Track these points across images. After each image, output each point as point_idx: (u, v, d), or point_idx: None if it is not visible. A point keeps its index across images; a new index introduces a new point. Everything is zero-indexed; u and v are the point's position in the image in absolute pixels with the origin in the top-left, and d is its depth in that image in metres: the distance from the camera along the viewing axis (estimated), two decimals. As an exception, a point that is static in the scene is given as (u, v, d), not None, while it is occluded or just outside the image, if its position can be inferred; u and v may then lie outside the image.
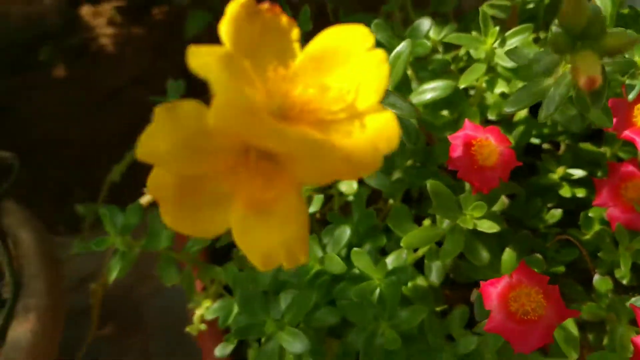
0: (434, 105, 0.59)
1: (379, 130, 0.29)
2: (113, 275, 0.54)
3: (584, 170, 0.60)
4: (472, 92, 0.62)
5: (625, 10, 0.61)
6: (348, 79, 0.30)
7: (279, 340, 0.48)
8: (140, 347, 0.96)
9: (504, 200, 0.60)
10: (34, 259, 0.66)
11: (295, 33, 0.32)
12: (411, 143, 0.47)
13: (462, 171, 0.48)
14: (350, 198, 0.63)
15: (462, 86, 0.54)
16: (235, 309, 0.56)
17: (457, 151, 0.49)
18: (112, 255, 0.56)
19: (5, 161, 0.77)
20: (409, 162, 0.60)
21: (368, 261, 0.52)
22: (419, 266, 0.56)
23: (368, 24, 0.58)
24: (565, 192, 0.59)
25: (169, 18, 1.34)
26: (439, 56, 0.64)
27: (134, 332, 0.97)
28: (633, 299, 0.51)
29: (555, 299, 0.43)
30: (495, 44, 0.53)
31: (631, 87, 0.50)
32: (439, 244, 0.53)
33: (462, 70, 0.59)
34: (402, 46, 0.47)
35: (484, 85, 0.57)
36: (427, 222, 0.60)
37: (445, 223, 0.52)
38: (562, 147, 0.66)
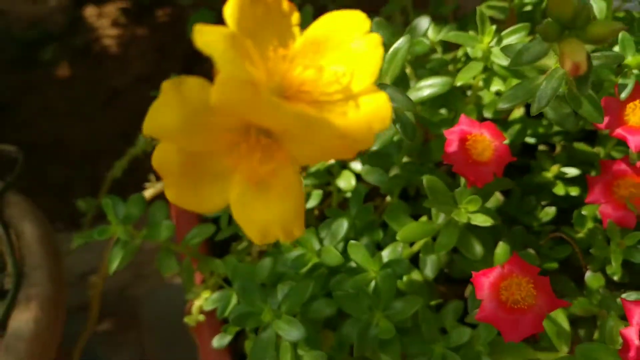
0: (432, 103, 0.60)
1: (373, 110, 0.30)
2: (114, 264, 0.55)
3: (578, 169, 0.61)
4: (469, 92, 0.63)
5: (621, 14, 0.63)
6: (344, 62, 0.32)
7: (275, 328, 0.49)
8: (137, 343, 0.97)
9: (498, 197, 0.61)
10: (36, 250, 0.67)
11: (295, 17, 0.33)
12: (408, 138, 0.48)
13: (457, 165, 0.49)
14: (349, 194, 0.64)
15: (459, 84, 0.55)
16: (234, 300, 0.57)
17: (452, 146, 0.50)
18: (113, 245, 0.57)
19: (10, 155, 0.78)
20: (407, 159, 0.61)
21: (364, 254, 0.53)
22: (415, 262, 0.57)
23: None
24: (559, 190, 0.60)
25: (173, 19, 1.36)
26: (437, 56, 0.65)
27: (130, 328, 0.98)
28: (624, 295, 0.52)
29: (546, 289, 0.44)
30: (492, 43, 0.54)
31: (623, 86, 0.51)
32: (435, 239, 0.54)
33: (460, 71, 0.60)
34: (401, 42, 0.48)
35: (480, 83, 0.58)
36: (423, 219, 0.61)
37: (441, 217, 0.53)
38: (558, 148, 0.67)
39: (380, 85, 0.45)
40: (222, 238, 0.64)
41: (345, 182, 0.64)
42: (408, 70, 0.61)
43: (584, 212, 0.57)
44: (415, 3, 0.77)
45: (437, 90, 0.53)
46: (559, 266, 0.58)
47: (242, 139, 0.30)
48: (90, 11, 1.39)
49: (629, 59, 0.51)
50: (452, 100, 0.60)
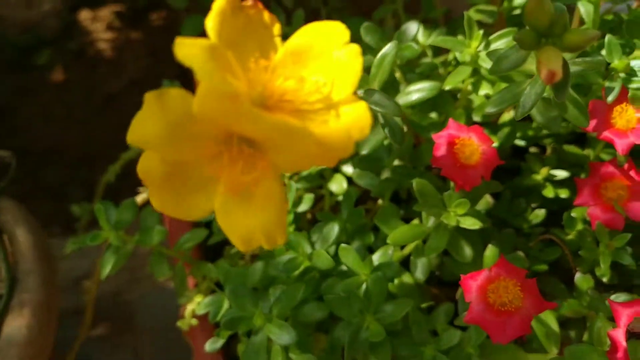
0: (421, 107, 0.60)
1: (353, 119, 0.31)
2: (106, 270, 0.55)
3: (568, 171, 0.61)
4: (459, 96, 0.64)
5: (610, 17, 0.63)
6: (325, 72, 0.32)
7: (266, 332, 0.50)
8: (132, 347, 0.97)
9: (488, 200, 0.61)
10: (29, 255, 0.67)
11: (276, 28, 0.34)
12: (396, 142, 0.48)
13: (445, 169, 0.50)
14: (340, 198, 0.65)
15: (447, 88, 0.55)
16: (226, 304, 0.57)
17: (440, 150, 0.50)
18: (105, 250, 0.57)
19: (2, 160, 0.78)
20: (397, 162, 0.61)
21: (355, 257, 0.53)
22: (406, 265, 0.58)
23: (359, 28, 0.60)
24: (549, 192, 0.60)
25: (167, 23, 1.36)
26: (427, 60, 0.66)
27: (125, 332, 0.98)
28: (613, 296, 0.52)
29: (533, 291, 0.44)
30: (480, 47, 0.55)
31: (610, 90, 0.51)
32: (425, 242, 0.54)
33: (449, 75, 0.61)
34: (388, 47, 0.49)
35: (469, 87, 0.59)
36: (414, 222, 0.62)
37: (431, 220, 0.53)
38: (548, 151, 0.68)
39: (368, 90, 0.46)
40: (214, 242, 0.64)
41: (337, 185, 0.64)
42: (398, 75, 0.61)
43: (573, 214, 0.58)
44: (407, 7, 0.77)
45: (426, 95, 0.54)
46: (549, 268, 0.58)
47: (224, 149, 0.30)
48: (84, 15, 1.39)
49: (616, 63, 0.51)
50: (442, 104, 0.60)
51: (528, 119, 0.53)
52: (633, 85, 0.51)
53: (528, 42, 0.36)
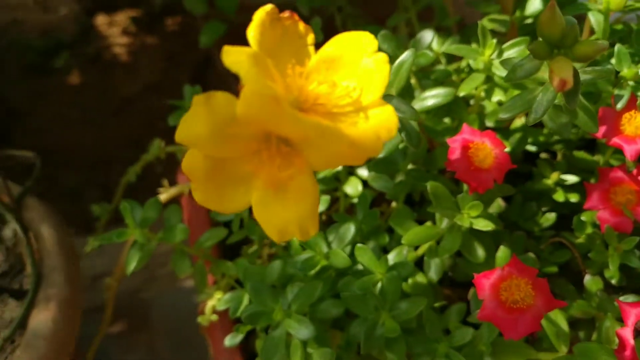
0: (436, 112, 0.62)
1: (381, 121, 0.33)
2: (131, 266, 0.57)
3: (578, 176, 0.63)
4: (472, 102, 0.66)
5: (619, 26, 0.65)
6: (355, 78, 0.35)
7: (286, 327, 0.52)
8: (147, 345, 0.99)
9: (500, 203, 0.63)
10: (54, 252, 0.70)
11: (310, 37, 0.37)
12: (412, 145, 0.50)
13: (459, 172, 0.52)
14: (356, 200, 0.67)
15: (461, 94, 0.57)
16: (246, 300, 0.59)
17: (455, 154, 0.52)
18: (130, 247, 0.59)
19: (28, 160, 0.81)
20: (411, 166, 0.63)
21: (371, 256, 0.55)
22: (420, 265, 0.60)
23: (375, 36, 0.62)
24: (559, 196, 0.62)
25: (183, 28, 1.39)
26: (441, 67, 0.68)
27: (141, 330, 1.00)
28: (622, 297, 0.54)
29: (544, 290, 0.46)
30: (493, 55, 0.57)
31: (620, 97, 0.53)
32: (439, 243, 0.56)
33: (463, 82, 0.63)
34: (406, 55, 0.51)
35: (482, 94, 0.61)
36: (428, 223, 0.64)
37: (444, 222, 0.55)
38: (559, 156, 0.69)
39: (386, 96, 0.48)
40: (233, 241, 0.66)
41: (352, 188, 0.66)
42: (413, 81, 0.63)
43: (583, 218, 0.59)
44: (420, 15, 0.79)
45: (441, 100, 0.56)
46: (559, 270, 0.60)
47: (263, 147, 0.33)
48: (101, 20, 1.41)
49: (625, 71, 0.53)
50: (456, 109, 0.62)
51: (539, 125, 0.55)
52: (642, 93, 0.53)
53: (541, 53, 0.38)
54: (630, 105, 0.54)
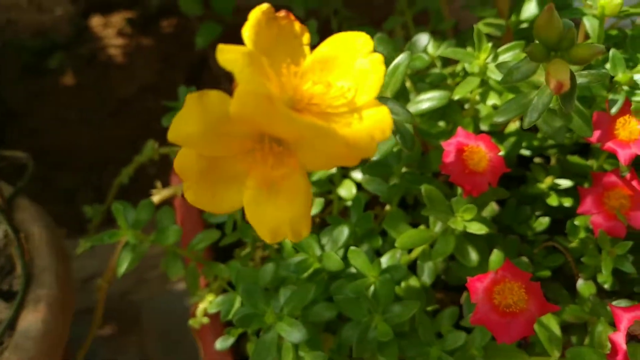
0: (431, 116, 0.62)
1: (375, 122, 0.33)
2: (123, 267, 0.57)
3: (572, 181, 0.63)
4: (467, 105, 0.66)
5: (614, 32, 0.65)
6: (350, 78, 0.35)
7: (277, 330, 0.51)
8: (138, 347, 0.98)
9: (494, 207, 0.63)
10: (44, 252, 0.69)
11: (306, 37, 0.36)
12: (407, 148, 0.50)
13: (454, 175, 0.52)
14: (349, 203, 0.67)
15: (456, 97, 0.57)
16: (238, 303, 0.59)
17: (449, 157, 0.52)
18: (122, 249, 0.59)
19: (20, 161, 0.80)
20: (406, 169, 0.63)
21: (364, 260, 0.55)
22: (413, 269, 0.59)
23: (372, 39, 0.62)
24: (553, 201, 0.62)
25: (178, 30, 1.38)
26: (436, 70, 0.68)
27: (132, 332, 1.00)
28: (614, 302, 0.54)
29: (537, 294, 0.46)
30: (489, 59, 0.57)
31: (614, 102, 0.53)
32: (432, 247, 0.56)
33: (458, 85, 0.63)
34: (401, 58, 0.51)
35: (477, 97, 0.61)
36: (421, 227, 0.64)
37: (438, 225, 0.55)
38: (553, 160, 0.69)
39: (381, 98, 0.48)
40: (225, 244, 0.66)
41: (346, 190, 0.66)
42: (408, 84, 0.63)
43: (576, 222, 0.59)
44: (416, 19, 0.79)
45: (436, 104, 0.55)
46: (552, 274, 0.60)
47: (256, 147, 0.33)
48: (96, 21, 1.41)
49: (619, 76, 0.53)
50: (451, 113, 0.62)
51: (533, 129, 0.55)
52: (636, 98, 0.53)
53: (538, 55, 0.38)
54: (625, 110, 0.54)
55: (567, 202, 0.62)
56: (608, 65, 0.54)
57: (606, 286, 0.56)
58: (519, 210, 0.63)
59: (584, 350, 0.48)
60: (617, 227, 0.55)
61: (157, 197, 0.72)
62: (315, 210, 0.65)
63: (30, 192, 0.80)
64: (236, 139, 0.32)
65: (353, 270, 0.57)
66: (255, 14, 0.34)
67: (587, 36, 0.59)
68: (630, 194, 0.55)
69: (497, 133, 0.65)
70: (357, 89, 0.35)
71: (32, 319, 0.63)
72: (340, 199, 0.67)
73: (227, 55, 0.30)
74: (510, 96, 0.57)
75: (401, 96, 0.56)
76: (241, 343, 0.64)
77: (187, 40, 1.32)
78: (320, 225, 0.69)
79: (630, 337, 0.45)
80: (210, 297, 0.62)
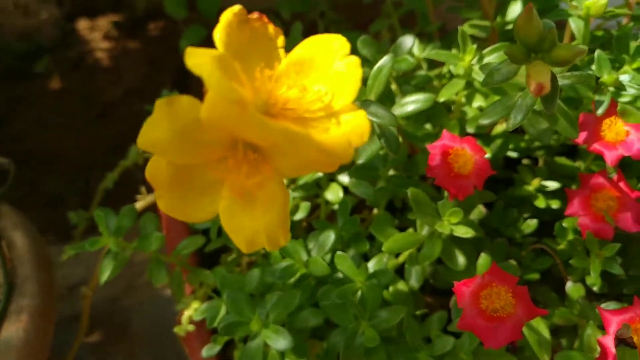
0: (417, 118, 0.62)
1: (353, 126, 0.32)
2: (105, 275, 0.56)
3: (560, 182, 0.63)
4: (453, 108, 0.65)
5: (600, 33, 0.65)
6: (326, 82, 0.34)
7: (263, 337, 0.50)
8: (126, 354, 0.97)
9: (481, 210, 0.63)
10: (27, 261, 0.68)
11: (280, 40, 0.35)
12: (392, 152, 0.49)
13: (439, 178, 0.51)
14: (336, 207, 0.66)
15: (442, 100, 0.57)
16: (223, 310, 0.58)
17: (435, 160, 0.52)
18: (104, 256, 0.58)
19: (2, 167, 0.79)
20: (393, 172, 0.63)
21: (351, 264, 0.54)
22: (400, 273, 0.59)
23: (356, 41, 0.61)
24: (540, 203, 0.61)
25: (165, 33, 1.37)
26: (422, 72, 0.67)
27: (120, 339, 0.99)
28: (603, 305, 0.53)
29: (524, 298, 0.45)
30: (474, 61, 0.56)
31: (600, 103, 0.53)
32: (420, 250, 0.55)
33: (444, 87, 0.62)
34: (385, 60, 0.50)
35: (463, 99, 0.60)
36: (409, 230, 0.63)
37: (425, 229, 0.54)
38: (540, 162, 0.69)
39: (365, 101, 0.47)
40: (211, 249, 0.65)
41: (333, 194, 0.65)
42: (393, 87, 0.63)
43: (564, 224, 0.59)
44: (402, 21, 0.79)
45: (421, 106, 0.55)
46: (541, 277, 0.60)
47: (229, 154, 0.31)
48: (82, 24, 1.40)
49: (605, 77, 0.53)
50: (436, 115, 0.62)
51: (520, 131, 0.55)
52: (622, 99, 0.53)
53: (518, 57, 0.37)
54: (611, 111, 0.53)
55: (555, 204, 0.62)
56: (594, 67, 0.54)
57: (595, 288, 0.56)
58: (507, 213, 0.62)
59: (573, 354, 0.47)
60: (605, 229, 0.55)
61: (141, 203, 0.71)
62: (302, 214, 0.64)
63: (15, 197, 0.79)
64: (208, 145, 0.31)
65: (340, 275, 0.57)
66: (227, 16, 0.33)
67: (573, 37, 0.59)
68: (617, 196, 0.55)
69: (484, 135, 0.64)
70: (334, 93, 0.34)
71: (14, 329, 0.62)
72: (327, 202, 0.66)
73: (195, 60, 0.28)
74: (496, 98, 0.56)
75: (386, 99, 0.55)
76: (228, 350, 0.63)
77: (173, 43, 1.31)
78: (307, 229, 0.69)
79: (619, 341, 0.44)
80: (195, 304, 0.61)
